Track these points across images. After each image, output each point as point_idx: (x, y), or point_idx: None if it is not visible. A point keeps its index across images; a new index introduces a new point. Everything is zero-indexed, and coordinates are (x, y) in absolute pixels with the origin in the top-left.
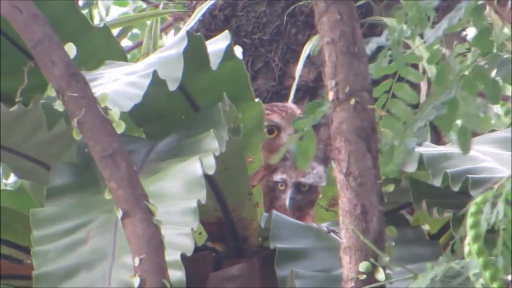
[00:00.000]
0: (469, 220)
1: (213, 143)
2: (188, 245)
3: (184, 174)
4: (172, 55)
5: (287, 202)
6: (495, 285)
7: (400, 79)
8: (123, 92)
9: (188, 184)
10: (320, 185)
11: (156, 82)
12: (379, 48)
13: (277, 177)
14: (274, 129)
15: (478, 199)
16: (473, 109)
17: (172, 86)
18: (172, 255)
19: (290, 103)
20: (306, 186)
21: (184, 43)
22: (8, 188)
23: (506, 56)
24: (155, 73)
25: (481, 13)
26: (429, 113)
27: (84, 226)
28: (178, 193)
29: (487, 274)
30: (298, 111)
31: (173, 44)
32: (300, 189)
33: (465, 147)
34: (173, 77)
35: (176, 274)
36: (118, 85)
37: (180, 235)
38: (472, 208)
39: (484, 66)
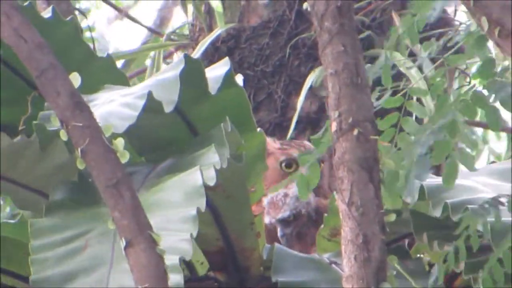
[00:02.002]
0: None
1: (214, 157)
2: (187, 250)
3: (184, 184)
4: (168, 78)
5: (282, 242)
6: None
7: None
8: (118, 112)
9: (188, 194)
10: (302, 207)
11: (157, 109)
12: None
13: (266, 220)
14: (293, 163)
15: None
16: (467, 143)
17: (168, 108)
18: (171, 260)
19: (305, 141)
20: (291, 217)
21: (181, 66)
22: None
23: (504, 80)
24: (150, 94)
25: (484, 45)
26: (427, 139)
27: (82, 235)
28: (178, 202)
29: None
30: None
31: (170, 67)
32: (286, 223)
33: (450, 181)
34: (169, 99)
35: (175, 278)
36: (113, 106)
37: (179, 241)
38: None
39: (482, 92)
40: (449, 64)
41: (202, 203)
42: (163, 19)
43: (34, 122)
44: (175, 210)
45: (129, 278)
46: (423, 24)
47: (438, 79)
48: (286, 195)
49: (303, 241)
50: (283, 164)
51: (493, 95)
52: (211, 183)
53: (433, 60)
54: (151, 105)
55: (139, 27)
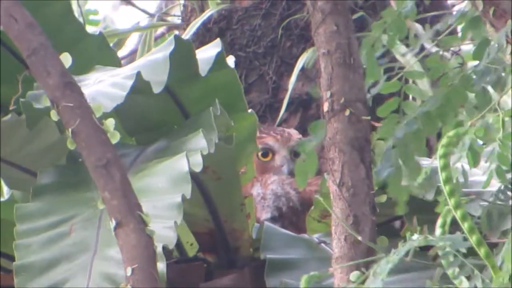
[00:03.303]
0: (441, 176)
1: (201, 142)
2: (170, 238)
3: (170, 170)
4: (158, 58)
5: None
6: (482, 251)
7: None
8: (106, 92)
9: (173, 180)
10: (282, 205)
11: (148, 90)
12: None
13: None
14: (269, 152)
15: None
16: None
17: (157, 89)
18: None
19: (292, 129)
20: (274, 217)
21: (171, 47)
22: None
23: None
24: (138, 75)
25: (480, 26)
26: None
27: (68, 220)
28: (164, 189)
29: (473, 239)
30: (296, 136)
31: (160, 48)
32: (274, 220)
33: (475, 162)
34: (158, 80)
35: (158, 266)
36: (101, 86)
37: (164, 228)
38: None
39: (471, 75)
40: (444, 46)
41: (187, 190)
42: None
43: (22, 100)
44: (160, 196)
45: (112, 264)
46: (414, 13)
47: (437, 60)
48: (264, 197)
49: (296, 227)
50: (259, 154)
51: (479, 78)
52: (198, 169)
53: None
54: (142, 86)
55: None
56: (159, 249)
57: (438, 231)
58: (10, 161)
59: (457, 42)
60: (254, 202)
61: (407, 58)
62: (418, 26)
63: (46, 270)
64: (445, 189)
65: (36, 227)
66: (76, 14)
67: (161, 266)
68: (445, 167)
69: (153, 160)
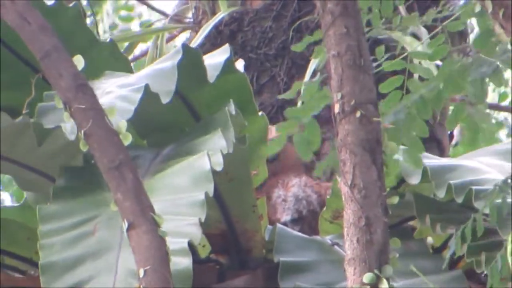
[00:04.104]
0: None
1: (221, 142)
2: (195, 234)
3: (192, 169)
4: (166, 68)
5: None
6: None
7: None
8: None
9: (196, 178)
10: (303, 208)
11: (155, 95)
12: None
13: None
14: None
15: None
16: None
17: (165, 99)
18: (180, 244)
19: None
20: (294, 219)
21: (179, 55)
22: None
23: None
24: (146, 87)
25: (485, 15)
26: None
27: (91, 220)
28: (186, 187)
29: None
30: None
31: (168, 56)
32: (293, 222)
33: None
34: (166, 90)
35: (183, 262)
36: (110, 98)
37: (188, 225)
38: None
39: (468, 65)
40: (449, 30)
41: (210, 188)
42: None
43: (32, 121)
44: (183, 194)
45: None
46: None
47: (439, 43)
48: (284, 199)
49: (314, 231)
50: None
51: (476, 71)
52: (219, 168)
53: (429, 29)
54: (145, 94)
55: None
56: (184, 245)
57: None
58: (22, 163)
59: (461, 27)
60: (274, 204)
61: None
62: (423, 30)
63: (71, 269)
64: None
65: (59, 227)
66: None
67: (187, 261)
68: None
69: (172, 160)
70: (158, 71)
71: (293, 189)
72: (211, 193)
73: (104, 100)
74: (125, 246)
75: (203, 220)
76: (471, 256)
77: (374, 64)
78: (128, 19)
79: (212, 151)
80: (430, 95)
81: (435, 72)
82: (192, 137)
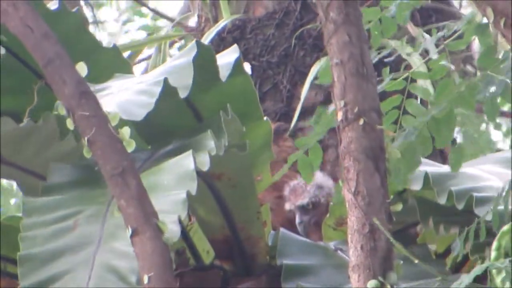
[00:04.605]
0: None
1: (209, 143)
2: (174, 231)
3: (176, 168)
4: (182, 63)
5: (299, 229)
6: None
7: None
8: (135, 100)
9: (179, 177)
10: (322, 196)
11: (165, 95)
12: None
13: (287, 207)
14: None
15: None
16: (471, 127)
17: (183, 93)
18: None
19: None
20: (309, 205)
21: (194, 52)
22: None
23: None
24: (166, 80)
25: (486, 32)
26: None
27: (74, 215)
28: (169, 185)
29: None
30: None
31: (183, 53)
32: (305, 210)
33: (456, 166)
34: (183, 84)
35: None
36: (128, 94)
37: (168, 223)
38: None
39: (477, 83)
40: (450, 49)
41: (193, 187)
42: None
43: (46, 114)
44: (166, 192)
45: (115, 257)
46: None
47: (440, 63)
48: (306, 183)
49: (319, 231)
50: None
51: (485, 89)
52: (204, 168)
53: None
54: (164, 87)
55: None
56: None
57: (493, 254)
58: (26, 168)
59: (462, 46)
60: (291, 188)
61: (413, 59)
62: (427, 36)
63: (49, 262)
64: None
65: (42, 221)
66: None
67: None
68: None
69: (163, 160)
70: (174, 67)
71: (316, 178)
72: (193, 192)
73: (122, 96)
74: (104, 242)
75: (183, 217)
76: (475, 253)
77: (379, 87)
78: (144, 14)
79: (199, 152)
80: (441, 115)
81: (431, 91)
82: (185, 139)
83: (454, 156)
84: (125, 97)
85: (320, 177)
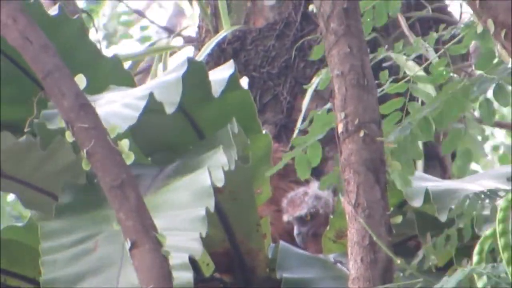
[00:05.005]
0: (498, 228)
1: (222, 158)
2: (196, 249)
3: (193, 184)
4: (170, 79)
5: (297, 240)
6: None
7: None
8: (118, 113)
9: (196, 194)
10: (320, 207)
11: (163, 111)
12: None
13: (285, 218)
14: None
15: (503, 204)
16: (474, 131)
17: (170, 109)
18: (180, 258)
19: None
20: (307, 216)
21: (184, 68)
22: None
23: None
24: (151, 95)
25: (488, 37)
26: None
27: (92, 237)
28: (187, 202)
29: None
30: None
31: (173, 69)
32: (303, 222)
33: (463, 170)
34: (170, 100)
35: (185, 275)
36: (114, 106)
37: (189, 240)
38: (499, 214)
39: (471, 84)
40: (450, 53)
41: (210, 203)
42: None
43: (35, 120)
44: (184, 210)
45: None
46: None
47: (441, 68)
48: (305, 193)
49: (318, 242)
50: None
51: (478, 89)
52: (220, 184)
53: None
54: (157, 106)
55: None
56: (185, 260)
57: (475, 258)
58: (26, 182)
59: (463, 50)
60: (289, 199)
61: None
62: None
63: (73, 285)
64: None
65: (60, 244)
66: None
67: (188, 275)
68: (504, 233)
69: (174, 177)
70: (162, 83)
71: (314, 189)
72: (212, 209)
73: (108, 108)
74: (126, 262)
75: (204, 235)
76: (460, 257)
77: (379, 90)
78: (128, 23)
79: (213, 167)
80: (433, 115)
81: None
82: (195, 154)
83: (461, 160)
84: (109, 109)
85: (317, 188)
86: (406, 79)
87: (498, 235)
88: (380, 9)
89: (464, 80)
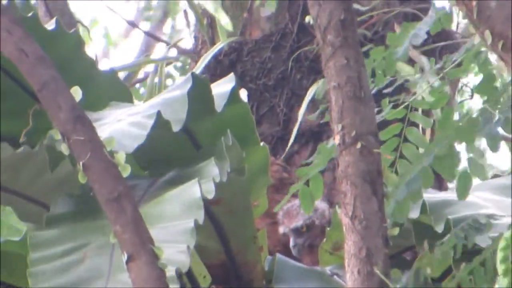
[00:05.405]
0: (499, 255)
1: (213, 170)
2: (184, 262)
3: (183, 196)
4: (176, 96)
5: (293, 252)
6: None
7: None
8: (127, 132)
9: (186, 206)
10: (316, 218)
11: (161, 124)
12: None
13: (281, 230)
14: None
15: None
16: (475, 155)
17: (176, 127)
18: (168, 271)
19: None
20: (303, 227)
21: (189, 85)
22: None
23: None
24: (159, 114)
25: (486, 60)
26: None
27: (81, 248)
28: (176, 214)
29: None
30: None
31: (178, 85)
32: (299, 233)
33: (463, 194)
34: (177, 118)
35: None
36: (121, 125)
37: (177, 252)
38: (501, 243)
39: (478, 119)
40: (449, 78)
41: (200, 215)
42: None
43: (44, 142)
44: (173, 222)
45: None
46: (405, 56)
47: (440, 91)
48: (300, 205)
49: (314, 253)
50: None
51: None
52: (210, 196)
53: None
54: (158, 122)
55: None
56: (172, 273)
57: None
58: (22, 193)
59: (463, 75)
60: (285, 211)
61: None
62: (424, 60)
63: None
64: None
65: (49, 255)
66: None
67: None
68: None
69: (166, 188)
70: (168, 100)
71: None
72: (201, 221)
73: (116, 127)
74: (114, 274)
75: (192, 247)
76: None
77: (379, 116)
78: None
79: (204, 179)
80: (443, 152)
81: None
82: (188, 166)
83: (460, 184)
84: (118, 128)
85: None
86: (404, 105)
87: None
88: (390, 59)
89: (469, 113)
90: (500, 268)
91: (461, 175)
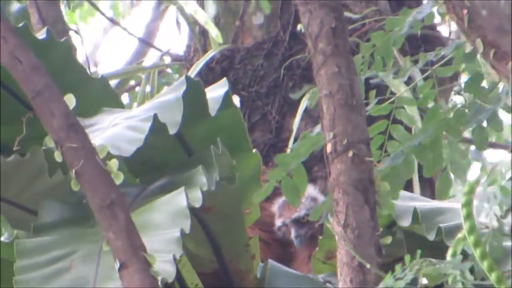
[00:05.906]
0: (462, 212)
1: (201, 179)
2: (169, 271)
3: (169, 205)
4: (171, 99)
5: (295, 243)
6: (493, 276)
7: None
8: (124, 136)
9: (172, 215)
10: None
11: (154, 130)
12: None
13: (278, 223)
14: None
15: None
16: (457, 155)
17: (172, 130)
18: None
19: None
20: (305, 218)
21: (183, 88)
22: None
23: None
24: (155, 117)
25: (473, 59)
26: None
27: (68, 256)
28: (163, 224)
29: (485, 264)
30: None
31: (172, 89)
32: (301, 224)
33: (445, 193)
34: (172, 121)
35: None
36: (118, 129)
37: (163, 262)
38: (463, 198)
39: (465, 111)
40: (438, 75)
41: (186, 225)
42: (151, 32)
43: (44, 148)
44: (159, 231)
45: None
46: (400, 41)
47: (427, 90)
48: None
49: (314, 244)
50: None
51: (473, 118)
52: (197, 204)
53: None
54: (153, 124)
55: (131, 37)
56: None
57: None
58: (13, 202)
59: (450, 73)
60: (282, 204)
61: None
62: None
63: None
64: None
65: (36, 263)
66: None
67: None
68: (468, 216)
69: (154, 196)
70: (163, 103)
71: (309, 191)
72: (187, 230)
73: (112, 131)
74: (100, 282)
75: (178, 257)
76: None
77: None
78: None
79: (191, 188)
80: (427, 142)
81: (417, 118)
82: (177, 174)
83: (441, 184)
84: (114, 132)
85: (312, 190)
86: (390, 101)
87: (466, 233)
88: (387, 45)
89: (456, 106)
90: (470, 240)
91: (442, 175)
